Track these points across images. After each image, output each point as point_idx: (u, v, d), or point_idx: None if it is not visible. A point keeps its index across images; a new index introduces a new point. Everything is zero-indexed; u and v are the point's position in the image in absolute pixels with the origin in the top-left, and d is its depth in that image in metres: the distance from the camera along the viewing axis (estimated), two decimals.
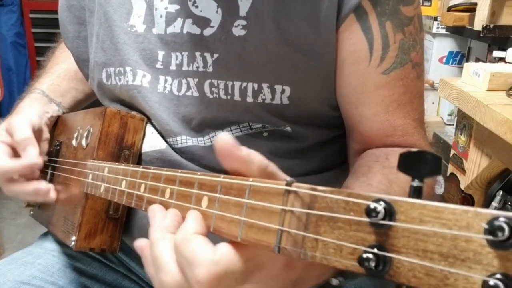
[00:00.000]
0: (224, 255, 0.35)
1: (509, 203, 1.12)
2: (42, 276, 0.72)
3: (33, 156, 0.73)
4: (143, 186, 0.50)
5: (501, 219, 0.21)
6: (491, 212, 0.21)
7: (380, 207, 0.23)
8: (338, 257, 0.25)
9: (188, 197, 0.40)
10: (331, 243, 0.26)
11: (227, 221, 0.34)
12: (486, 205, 1.18)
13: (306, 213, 0.27)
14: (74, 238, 0.67)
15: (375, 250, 0.23)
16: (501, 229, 0.20)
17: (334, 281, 0.37)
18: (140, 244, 0.43)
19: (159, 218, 0.43)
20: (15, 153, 0.75)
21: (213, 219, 0.36)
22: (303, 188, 0.28)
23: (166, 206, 0.44)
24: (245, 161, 0.36)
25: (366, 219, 0.24)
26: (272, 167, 0.37)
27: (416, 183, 0.25)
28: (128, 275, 0.79)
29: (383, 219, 0.23)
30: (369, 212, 0.23)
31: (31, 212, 0.88)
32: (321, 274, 0.40)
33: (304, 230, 0.27)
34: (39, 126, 0.78)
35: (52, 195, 0.75)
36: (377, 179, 0.52)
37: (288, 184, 0.28)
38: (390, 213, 0.23)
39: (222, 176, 0.36)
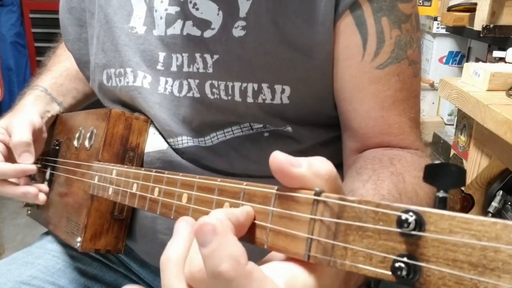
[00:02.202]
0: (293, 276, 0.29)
1: (509, 203, 1.13)
2: (42, 276, 0.73)
3: (27, 163, 0.74)
4: (157, 190, 0.50)
5: None
6: None
7: (412, 218, 0.24)
8: (368, 265, 0.26)
9: (209, 203, 0.40)
10: (361, 252, 0.27)
11: (251, 227, 0.35)
12: (486, 205, 1.19)
13: (335, 222, 0.28)
14: (79, 239, 0.67)
15: (405, 259, 0.25)
16: None
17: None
18: None
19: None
20: (10, 153, 0.75)
21: None
22: (332, 198, 0.29)
23: (183, 211, 0.44)
24: (304, 180, 0.31)
25: (397, 229, 0.25)
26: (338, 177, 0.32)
27: (441, 193, 0.26)
28: (129, 275, 0.79)
29: (414, 229, 0.24)
30: (401, 222, 0.25)
31: (29, 212, 0.88)
32: None
33: (334, 238, 0.28)
34: (40, 125, 0.78)
35: (41, 197, 0.76)
36: (387, 188, 0.51)
37: (317, 194, 0.29)
38: (420, 223, 0.24)
39: (245, 183, 0.36)
